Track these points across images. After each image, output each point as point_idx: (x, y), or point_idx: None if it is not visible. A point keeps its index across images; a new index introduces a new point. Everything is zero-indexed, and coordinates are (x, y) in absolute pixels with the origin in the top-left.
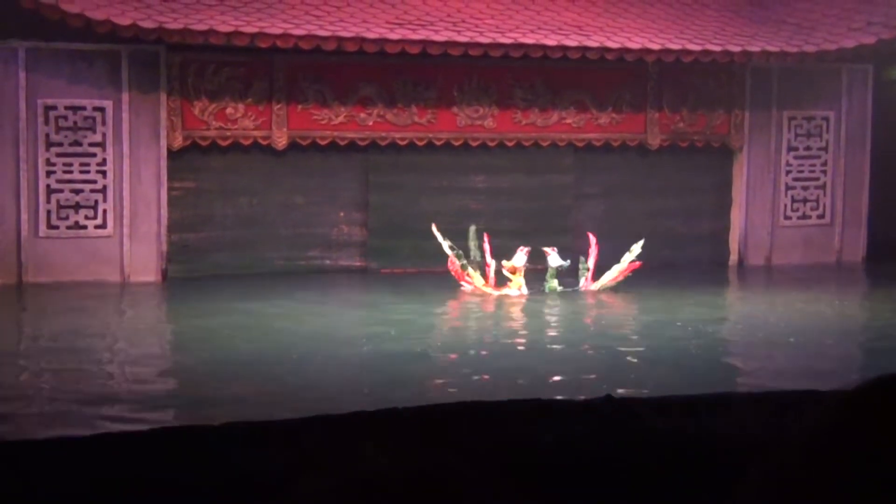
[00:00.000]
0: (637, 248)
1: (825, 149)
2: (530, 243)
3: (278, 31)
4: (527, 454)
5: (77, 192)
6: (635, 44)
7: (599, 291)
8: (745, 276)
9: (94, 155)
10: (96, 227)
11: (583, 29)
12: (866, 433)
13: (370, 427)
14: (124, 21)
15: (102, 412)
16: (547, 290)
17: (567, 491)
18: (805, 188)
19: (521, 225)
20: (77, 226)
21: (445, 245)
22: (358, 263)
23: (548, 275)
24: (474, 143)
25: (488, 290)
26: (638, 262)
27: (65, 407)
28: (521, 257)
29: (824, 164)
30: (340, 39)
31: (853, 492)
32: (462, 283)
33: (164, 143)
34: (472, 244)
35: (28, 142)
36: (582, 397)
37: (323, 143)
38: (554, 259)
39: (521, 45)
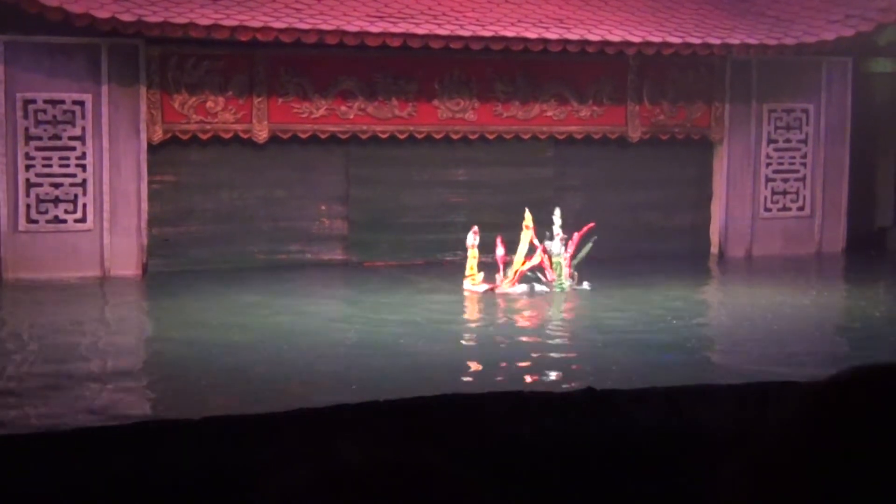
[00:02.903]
0: (588, 246)
1: (805, 141)
2: (511, 237)
3: (258, 25)
4: (507, 446)
5: (57, 186)
6: (616, 36)
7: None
8: (726, 267)
9: (73, 149)
10: (76, 221)
11: (563, 22)
12: (840, 423)
13: (350, 420)
14: (103, 14)
15: (82, 406)
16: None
17: (547, 482)
18: (785, 180)
19: (501, 218)
20: (57, 220)
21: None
22: (340, 257)
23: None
24: (455, 137)
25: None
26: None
27: (44, 402)
28: (470, 237)
29: (804, 156)
30: (321, 32)
31: (829, 481)
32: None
33: (143, 136)
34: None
35: (7, 136)
36: (563, 388)
37: (304, 136)
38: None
39: (502, 38)
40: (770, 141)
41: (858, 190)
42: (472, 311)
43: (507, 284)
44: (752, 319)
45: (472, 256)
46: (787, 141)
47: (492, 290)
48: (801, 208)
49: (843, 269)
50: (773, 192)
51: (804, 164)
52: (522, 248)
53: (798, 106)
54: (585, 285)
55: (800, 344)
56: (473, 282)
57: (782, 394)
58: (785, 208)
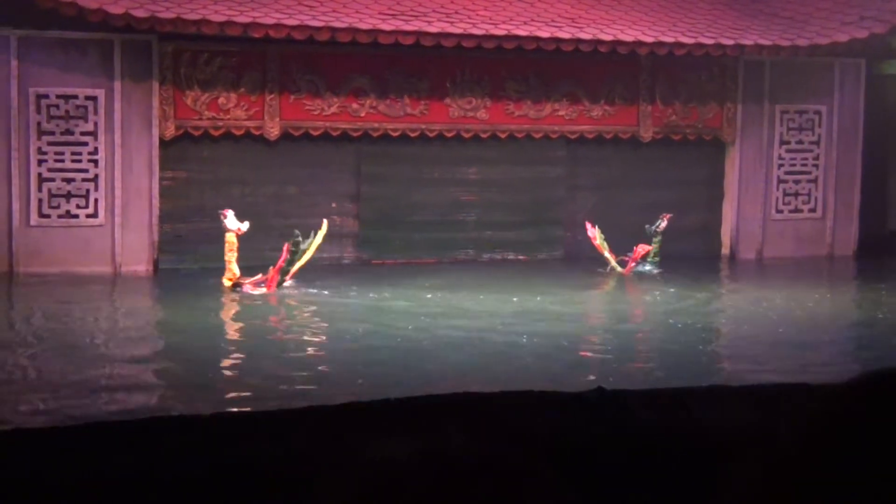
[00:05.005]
0: (321, 233)
1: (817, 143)
2: (522, 235)
3: (271, 22)
4: (513, 443)
5: (68, 181)
6: (628, 36)
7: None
8: (736, 268)
9: (85, 144)
10: (88, 216)
11: (576, 21)
12: (860, 427)
13: (361, 419)
14: (117, 10)
15: (92, 402)
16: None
17: (556, 482)
18: (797, 182)
19: (512, 216)
20: (68, 215)
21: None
22: (350, 254)
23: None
24: (467, 135)
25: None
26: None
27: (54, 396)
28: (233, 221)
29: (816, 158)
30: (333, 30)
31: (845, 485)
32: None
33: (156, 132)
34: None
35: (20, 130)
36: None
37: (315, 133)
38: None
39: (515, 37)
40: (782, 142)
41: (871, 192)
42: (487, 308)
43: (257, 284)
44: (761, 322)
45: (230, 248)
46: (800, 142)
47: (245, 287)
48: (812, 210)
49: (855, 272)
50: (785, 194)
51: (816, 166)
52: (310, 253)
53: (811, 107)
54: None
55: (808, 347)
56: (232, 279)
57: (793, 396)
58: (797, 210)
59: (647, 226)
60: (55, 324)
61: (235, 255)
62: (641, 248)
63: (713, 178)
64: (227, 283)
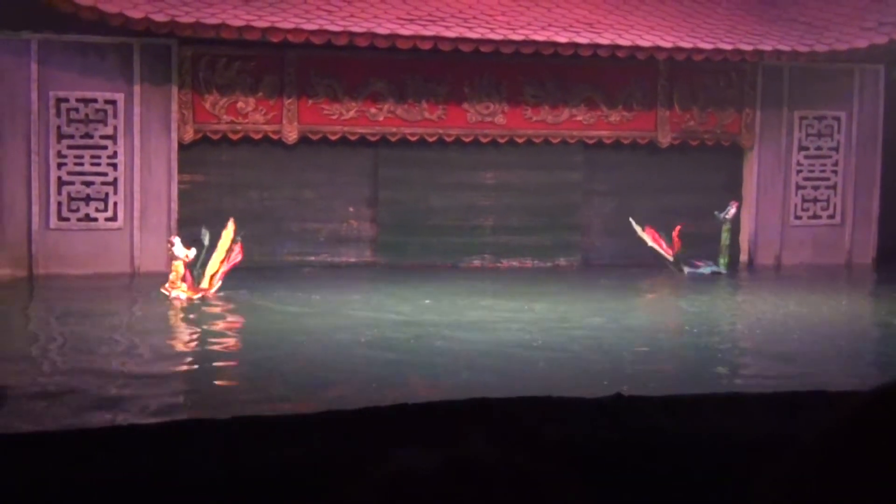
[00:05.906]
0: (226, 232)
1: (836, 149)
2: (539, 240)
3: (290, 26)
4: (535, 452)
5: (88, 184)
6: (647, 41)
7: None
8: (755, 275)
9: (105, 147)
10: (107, 219)
11: (594, 26)
12: (881, 438)
13: (378, 425)
14: (137, 14)
15: (110, 405)
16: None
17: (574, 488)
18: (816, 188)
19: (529, 221)
20: (88, 218)
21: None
22: (367, 259)
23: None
24: (484, 140)
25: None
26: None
27: (73, 400)
28: (180, 249)
29: (835, 164)
30: (352, 34)
31: (872, 497)
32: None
33: (174, 136)
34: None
35: (40, 134)
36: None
37: (333, 137)
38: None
39: (533, 42)
40: (801, 148)
41: (890, 199)
42: (516, 312)
43: (203, 287)
44: (779, 329)
45: (177, 277)
46: (819, 148)
47: (189, 298)
48: (831, 217)
49: (874, 280)
50: (804, 200)
51: (835, 172)
52: (219, 253)
53: (830, 113)
54: (707, 270)
55: (825, 354)
56: (181, 289)
57: (811, 404)
58: (815, 216)
59: (715, 212)
60: (75, 326)
61: (179, 281)
62: (675, 234)
63: (731, 184)
64: (182, 294)
